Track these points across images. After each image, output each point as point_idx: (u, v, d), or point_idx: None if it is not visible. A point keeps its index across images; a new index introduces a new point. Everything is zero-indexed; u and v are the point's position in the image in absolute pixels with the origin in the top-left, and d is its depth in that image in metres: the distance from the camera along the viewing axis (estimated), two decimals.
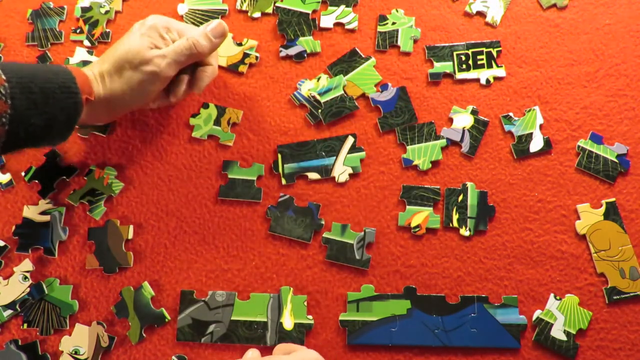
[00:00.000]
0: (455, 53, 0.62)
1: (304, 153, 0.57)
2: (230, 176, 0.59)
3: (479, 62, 0.62)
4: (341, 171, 0.57)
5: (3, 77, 0.42)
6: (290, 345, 0.51)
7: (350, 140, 0.58)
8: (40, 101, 0.44)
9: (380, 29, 0.64)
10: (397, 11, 0.65)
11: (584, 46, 0.62)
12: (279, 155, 0.58)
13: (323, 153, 0.58)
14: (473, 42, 0.62)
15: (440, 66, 0.62)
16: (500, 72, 0.61)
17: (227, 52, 0.63)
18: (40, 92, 0.44)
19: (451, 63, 0.62)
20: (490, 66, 0.62)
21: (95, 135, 0.60)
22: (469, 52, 0.62)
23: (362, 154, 0.58)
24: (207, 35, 0.53)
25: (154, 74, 0.51)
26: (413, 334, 0.53)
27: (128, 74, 0.50)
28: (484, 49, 0.62)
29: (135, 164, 0.59)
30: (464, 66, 0.62)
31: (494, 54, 0.62)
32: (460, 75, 0.61)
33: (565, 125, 0.60)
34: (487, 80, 0.61)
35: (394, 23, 0.64)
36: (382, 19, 0.64)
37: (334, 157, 0.57)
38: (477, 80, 0.61)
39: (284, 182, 0.58)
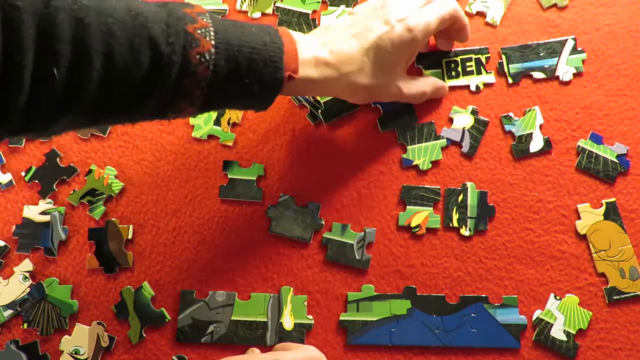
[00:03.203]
0: (444, 60, 0.61)
1: (527, 54, 0.60)
2: (230, 176, 0.59)
3: (467, 69, 0.61)
4: (565, 71, 0.60)
5: (212, 41, 0.41)
6: (289, 344, 0.51)
7: (570, 44, 0.60)
8: (242, 73, 0.42)
9: None
10: None
11: (584, 46, 0.62)
12: (504, 57, 0.60)
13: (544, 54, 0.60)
14: (461, 49, 0.62)
15: (429, 73, 0.61)
16: (490, 78, 0.61)
17: None
18: (245, 64, 0.42)
19: (440, 70, 0.61)
20: (479, 72, 0.61)
21: (95, 135, 0.60)
22: (458, 59, 0.62)
23: (584, 55, 0.60)
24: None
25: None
26: (413, 334, 0.53)
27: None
28: (472, 56, 0.62)
29: (135, 164, 0.59)
30: (453, 73, 0.61)
31: (483, 60, 0.61)
32: (450, 82, 0.61)
33: (565, 125, 0.60)
34: (477, 87, 0.61)
35: None
36: None
37: (557, 59, 0.60)
38: (467, 87, 0.61)
39: (510, 81, 0.60)
